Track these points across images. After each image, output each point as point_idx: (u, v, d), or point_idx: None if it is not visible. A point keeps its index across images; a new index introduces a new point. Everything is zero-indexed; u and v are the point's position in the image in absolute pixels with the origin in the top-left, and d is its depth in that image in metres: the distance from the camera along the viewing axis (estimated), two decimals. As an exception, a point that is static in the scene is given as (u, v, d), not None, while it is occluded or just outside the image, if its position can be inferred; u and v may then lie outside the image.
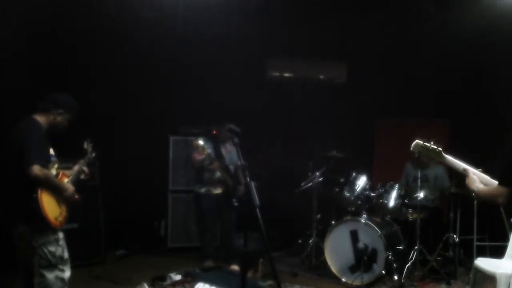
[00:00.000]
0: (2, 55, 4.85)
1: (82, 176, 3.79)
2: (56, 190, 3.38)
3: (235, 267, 2.79)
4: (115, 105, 6.22)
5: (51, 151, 3.48)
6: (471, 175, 3.00)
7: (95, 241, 5.68)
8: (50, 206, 3.31)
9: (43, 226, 3.27)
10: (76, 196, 3.58)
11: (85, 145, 4.01)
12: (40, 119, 3.43)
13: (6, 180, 3.37)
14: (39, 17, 5.12)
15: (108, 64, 6.02)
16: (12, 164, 3.30)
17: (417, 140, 3.11)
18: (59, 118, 3.51)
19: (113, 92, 6.20)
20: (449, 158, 3.07)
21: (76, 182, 3.66)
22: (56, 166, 3.49)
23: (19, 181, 3.25)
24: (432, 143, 3.11)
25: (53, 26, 5.43)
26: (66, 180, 3.56)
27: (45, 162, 3.30)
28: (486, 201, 3.04)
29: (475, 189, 2.96)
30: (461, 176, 3.11)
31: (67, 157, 3.88)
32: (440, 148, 3.06)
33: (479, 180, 3.01)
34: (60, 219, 3.39)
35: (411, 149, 3.11)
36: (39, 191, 3.24)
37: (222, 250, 5.66)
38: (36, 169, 3.17)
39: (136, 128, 6.34)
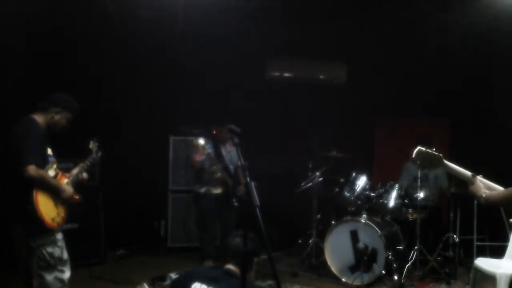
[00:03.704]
0: (2, 54, 4.84)
1: (81, 179, 3.72)
2: (52, 191, 3.34)
3: (230, 266, 2.77)
4: (115, 105, 6.21)
5: (49, 151, 3.43)
6: (477, 181, 2.91)
7: (95, 241, 5.67)
8: (46, 207, 3.27)
9: (40, 227, 3.23)
10: (76, 197, 3.55)
11: (91, 145, 3.90)
12: (39, 118, 3.40)
13: (5, 181, 3.33)
14: (39, 16, 5.11)
15: (108, 64, 6.01)
16: (10, 164, 3.27)
17: (419, 147, 2.98)
18: (56, 117, 3.47)
19: (113, 92, 6.21)
20: (450, 164, 2.98)
21: (76, 183, 3.62)
22: (55, 166, 3.44)
23: (16, 182, 3.20)
24: (434, 149, 2.99)
25: (52, 26, 5.42)
26: (65, 180, 3.52)
27: (41, 162, 3.25)
28: (499, 206, 2.94)
29: (483, 195, 2.86)
30: (463, 180, 3.01)
31: (68, 157, 3.86)
32: (441, 154, 2.96)
33: (485, 186, 2.92)
34: (58, 220, 3.35)
35: (413, 156, 2.98)
36: (34, 192, 3.19)
37: (222, 250, 5.66)
38: (31, 169, 3.13)
39: (136, 128, 6.33)
